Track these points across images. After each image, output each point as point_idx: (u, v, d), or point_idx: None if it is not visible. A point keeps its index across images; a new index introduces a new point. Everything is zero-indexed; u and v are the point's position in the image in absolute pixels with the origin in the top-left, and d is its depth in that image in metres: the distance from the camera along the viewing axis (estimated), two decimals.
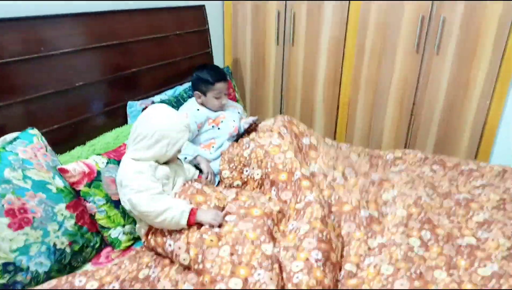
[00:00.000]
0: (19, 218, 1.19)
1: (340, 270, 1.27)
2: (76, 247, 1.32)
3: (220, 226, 1.30)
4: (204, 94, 1.95)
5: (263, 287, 1.08)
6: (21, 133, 1.37)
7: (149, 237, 1.35)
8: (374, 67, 2.43)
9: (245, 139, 1.85)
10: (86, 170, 1.43)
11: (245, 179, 1.71)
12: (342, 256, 1.33)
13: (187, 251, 1.24)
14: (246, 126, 1.92)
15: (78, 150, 1.62)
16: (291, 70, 2.72)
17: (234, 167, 1.75)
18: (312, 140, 1.84)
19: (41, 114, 1.54)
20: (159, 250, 1.32)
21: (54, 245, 1.26)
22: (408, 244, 1.33)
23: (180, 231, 1.30)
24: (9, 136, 1.36)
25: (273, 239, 1.32)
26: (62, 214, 1.30)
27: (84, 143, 1.68)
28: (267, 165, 1.66)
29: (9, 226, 1.16)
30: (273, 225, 1.36)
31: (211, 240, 1.23)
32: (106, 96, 1.83)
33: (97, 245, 1.40)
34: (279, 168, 1.63)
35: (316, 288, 1.11)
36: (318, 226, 1.31)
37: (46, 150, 1.38)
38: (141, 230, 1.42)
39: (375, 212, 1.52)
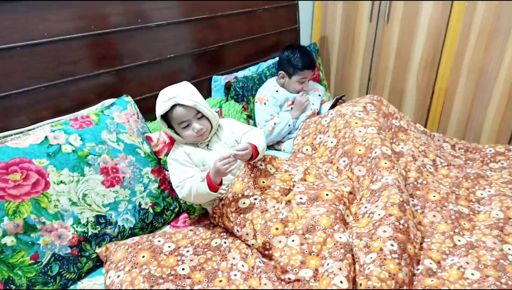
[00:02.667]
0: (112, 177, 1.30)
1: (417, 263, 1.18)
2: (158, 209, 1.42)
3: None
4: (289, 76, 1.92)
5: (331, 277, 1.05)
6: (117, 100, 1.48)
7: (217, 220, 1.37)
8: (480, 51, 2.15)
9: None
10: (167, 140, 1.51)
11: (316, 146, 1.66)
12: (421, 248, 1.23)
13: (255, 237, 1.24)
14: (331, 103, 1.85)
15: None
16: (382, 50, 2.54)
17: (307, 134, 1.70)
18: (402, 123, 1.71)
19: (135, 83, 1.65)
20: (230, 232, 1.35)
21: (139, 204, 1.36)
22: (502, 250, 1.18)
23: (244, 217, 1.28)
24: (107, 102, 1.48)
25: (345, 224, 1.27)
26: (148, 177, 1.40)
27: None
28: (345, 135, 1.58)
29: (103, 183, 1.28)
30: (344, 209, 1.31)
31: (276, 229, 1.22)
32: (193, 69, 1.90)
33: (176, 209, 1.49)
34: (357, 141, 1.54)
35: (388, 282, 1.04)
36: (395, 213, 1.22)
37: (138, 117, 1.49)
38: (205, 204, 1.46)
39: (465, 209, 1.38)
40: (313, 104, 1.96)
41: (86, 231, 1.22)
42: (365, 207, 1.32)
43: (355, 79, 2.77)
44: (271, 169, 1.43)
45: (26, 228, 1.11)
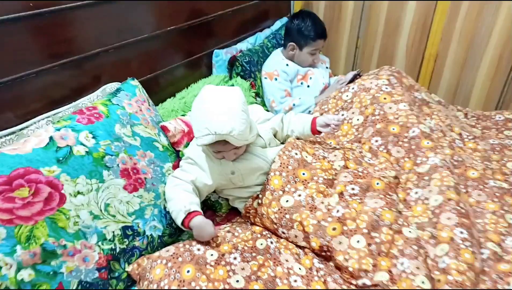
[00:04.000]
0: (134, 179, 1.09)
1: (480, 247, 1.12)
2: None
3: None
4: (300, 47, 1.74)
5: (411, 278, 0.96)
6: (123, 84, 1.23)
7: (254, 221, 1.22)
8: (472, 16, 2.12)
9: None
10: (185, 128, 1.30)
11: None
12: (478, 230, 1.18)
13: (307, 240, 1.11)
14: (347, 81, 1.70)
15: (169, 102, 1.50)
16: (371, 16, 2.43)
17: (326, 110, 1.58)
18: (423, 95, 1.63)
19: (135, 62, 1.39)
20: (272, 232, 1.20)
21: (165, 207, 1.17)
22: None
23: (290, 218, 1.13)
24: (108, 87, 1.23)
25: (399, 213, 1.19)
26: (169, 174, 1.20)
27: (173, 95, 1.54)
28: (374, 112, 1.46)
29: (125, 188, 1.06)
30: (396, 197, 1.22)
31: (334, 229, 1.08)
32: (189, 44, 1.65)
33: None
34: (389, 118, 1.43)
35: (468, 274, 0.98)
36: (453, 197, 1.15)
37: (149, 104, 1.25)
38: (234, 202, 1.30)
39: (504, 184, 1.34)
40: (323, 77, 1.81)
41: (113, 247, 1.01)
42: (416, 193, 1.23)
43: (341, 47, 2.66)
44: (307, 157, 1.28)
45: (45, 255, 0.88)
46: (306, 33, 1.71)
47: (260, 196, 1.21)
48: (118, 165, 1.05)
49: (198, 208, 1.11)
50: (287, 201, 1.17)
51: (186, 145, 1.28)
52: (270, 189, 1.19)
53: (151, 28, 1.42)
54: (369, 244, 1.04)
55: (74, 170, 0.97)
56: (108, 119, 1.09)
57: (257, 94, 1.74)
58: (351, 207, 1.12)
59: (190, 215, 1.08)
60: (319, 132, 1.33)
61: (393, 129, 1.40)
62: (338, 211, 1.12)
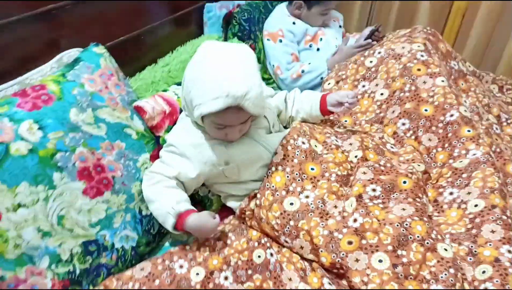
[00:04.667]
0: (97, 180, 0.85)
1: None
2: None
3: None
4: (309, 6, 1.43)
5: None
6: (83, 52, 0.96)
7: (250, 223, 1.00)
8: None
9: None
10: (167, 109, 1.05)
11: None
12: None
13: (315, 253, 0.90)
14: (363, 41, 1.40)
15: (149, 71, 1.23)
16: None
17: (343, 77, 1.31)
18: (460, 66, 1.35)
19: (99, 23, 1.10)
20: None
21: (140, 211, 0.94)
22: None
23: (295, 226, 0.91)
24: (66, 56, 0.95)
25: (429, 218, 0.96)
26: (146, 168, 0.97)
27: (155, 62, 1.27)
28: (403, 87, 1.19)
29: (85, 192, 0.83)
30: (427, 201, 0.99)
31: (349, 243, 0.87)
32: None
33: None
34: (421, 96, 1.16)
35: None
36: (497, 203, 0.92)
37: (119, 78, 0.99)
38: (226, 200, 1.08)
39: None
40: (336, 38, 1.52)
41: (72, 269, 0.80)
42: (450, 194, 1.00)
43: None
44: (316, 146, 1.04)
45: None
46: None
47: (259, 196, 0.98)
48: (74, 163, 0.82)
49: (188, 205, 0.90)
50: (291, 204, 0.95)
51: (168, 129, 1.04)
52: (270, 188, 0.97)
53: None
54: (394, 265, 0.83)
55: (12, 176, 0.73)
56: (60, 102, 0.83)
57: (258, 59, 1.46)
58: (372, 215, 0.90)
59: (181, 217, 0.88)
60: (330, 113, 1.08)
61: (426, 110, 1.14)
62: (355, 220, 0.90)
